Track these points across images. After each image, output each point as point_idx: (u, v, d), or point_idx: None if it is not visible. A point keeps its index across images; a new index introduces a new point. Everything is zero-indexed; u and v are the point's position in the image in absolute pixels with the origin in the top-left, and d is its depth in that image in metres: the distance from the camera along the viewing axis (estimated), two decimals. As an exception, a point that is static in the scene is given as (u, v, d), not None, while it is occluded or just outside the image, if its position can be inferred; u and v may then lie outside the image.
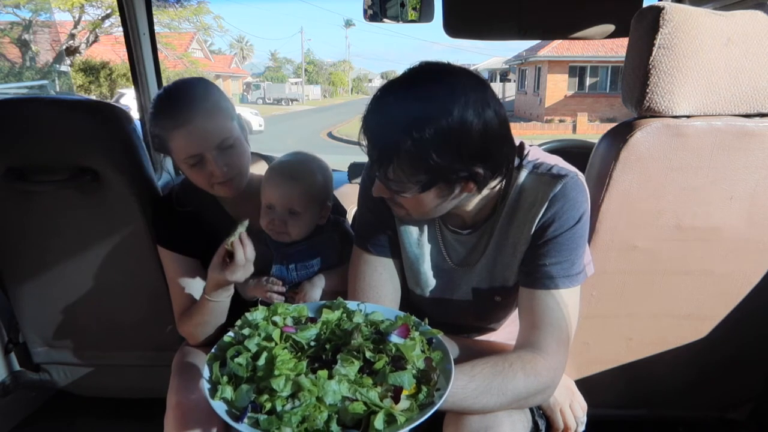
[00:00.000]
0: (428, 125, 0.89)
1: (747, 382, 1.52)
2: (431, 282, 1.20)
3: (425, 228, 1.17)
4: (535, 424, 1.11)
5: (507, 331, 1.31)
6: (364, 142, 0.97)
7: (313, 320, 0.98)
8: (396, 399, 0.81)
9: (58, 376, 1.82)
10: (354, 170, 2.21)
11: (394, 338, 0.90)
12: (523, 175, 1.08)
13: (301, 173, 1.30)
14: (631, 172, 1.17)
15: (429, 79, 0.94)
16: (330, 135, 20.43)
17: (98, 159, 1.41)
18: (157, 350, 1.63)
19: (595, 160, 1.24)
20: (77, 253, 1.57)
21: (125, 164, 1.44)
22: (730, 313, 1.36)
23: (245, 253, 1.17)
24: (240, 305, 1.35)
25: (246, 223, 1.19)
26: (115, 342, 1.73)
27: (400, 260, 1.21)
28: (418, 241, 1.18)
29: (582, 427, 1.20)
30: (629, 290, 1.33)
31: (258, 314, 0.94)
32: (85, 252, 1.56)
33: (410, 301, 1.24)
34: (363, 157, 1.04)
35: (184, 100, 1.25)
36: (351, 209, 1.60)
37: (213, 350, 0.92)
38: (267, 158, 1.53)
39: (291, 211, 1.28)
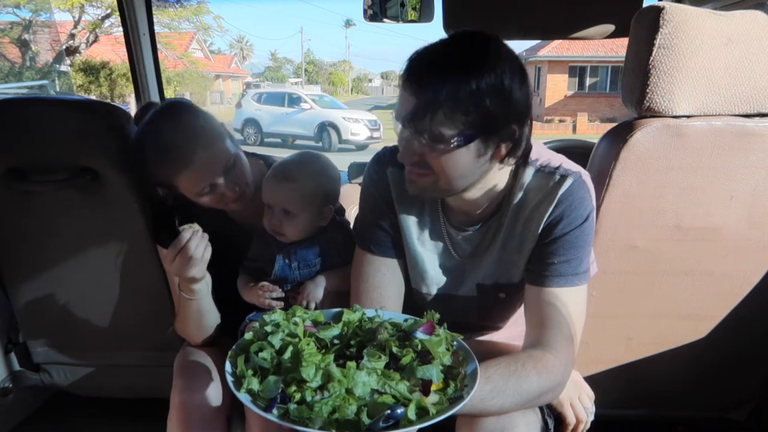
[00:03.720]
0: (486, 74, 0.92)
1: (747, 382, 1.52)
2: (436, 279, 1.20)
3: (428, 225, 1.17)
4: (545, 422, 1.11)
5: (509, 332, 1.31)
6: (403, 88, 0.96)
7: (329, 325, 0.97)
8: (425, 392, 0.80)
9: (58, 376, 1.81)
10: (354, 170, 2.21)
11: (420, 335, 0.89)
12: (530, 173, 1.08)
13: (297, 174, 1.29)
14: (631, 172, 1.17)
15: (481, 37, 0.96)
16: (330, 135, 20.35)
17: (98, 159, 1.41)
18: (158, 350, 1.63)
19: (595, 160, 1.24)
20: (77, 253, 1.57)
21: (125, 164, 1.44)
22: (730, 313, 1.36)
23: (190, 247, 1.14)
24: (240, 305, 1.35)
25: (195, 226, 1.18)
26: (116, 342, 1.72)
27: (403, 260, 1.21)
28: (421, 239, 1.18)
29: (591, 417, 1.21)
30: (629, 290, 1.33)
31: (276, 316, 0.94)
32: (85, 252, 1.56)
33: (414, 301, 1.24)
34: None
35: (180, 142, 1.23)
36: (351, 209, 1.60)
37: (233, 348, 0.92)
38: (264, 158, 1.53)
39: (285, 211, 1.28)
